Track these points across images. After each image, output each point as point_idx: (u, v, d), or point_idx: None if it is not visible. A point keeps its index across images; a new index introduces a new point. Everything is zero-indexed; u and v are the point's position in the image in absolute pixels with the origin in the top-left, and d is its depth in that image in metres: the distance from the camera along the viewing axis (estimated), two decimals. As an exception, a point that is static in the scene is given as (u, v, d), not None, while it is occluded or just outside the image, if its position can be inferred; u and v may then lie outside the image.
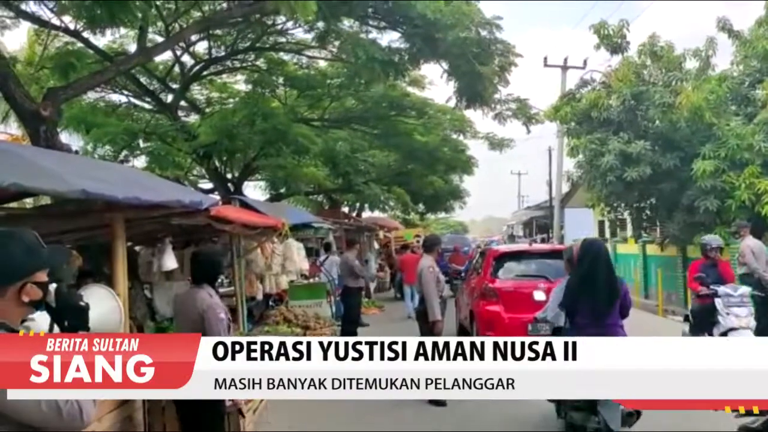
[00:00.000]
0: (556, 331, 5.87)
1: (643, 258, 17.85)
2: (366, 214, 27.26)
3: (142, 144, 15.35)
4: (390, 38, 12.90)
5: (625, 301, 5.51)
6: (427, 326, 7.33)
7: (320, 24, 12.12)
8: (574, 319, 5.39)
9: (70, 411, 1.93)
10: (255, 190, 21.68)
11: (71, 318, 2.15)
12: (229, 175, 17.36)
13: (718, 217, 13.15)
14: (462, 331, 11.00)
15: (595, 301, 5.29)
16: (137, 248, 8.15)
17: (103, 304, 2.43)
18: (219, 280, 8.67)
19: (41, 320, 2.15)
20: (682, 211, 13.90)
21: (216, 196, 11.55)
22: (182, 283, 7.20)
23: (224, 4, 11.86)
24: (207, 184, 18.25)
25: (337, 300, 12.10)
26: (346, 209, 25.88)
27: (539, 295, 8.56)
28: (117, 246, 4.79)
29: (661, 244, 16.20)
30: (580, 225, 26.28)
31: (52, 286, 2.14)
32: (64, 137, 11.33)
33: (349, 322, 11.35)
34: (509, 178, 63.58)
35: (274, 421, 6.60)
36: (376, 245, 23.45)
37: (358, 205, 26.48)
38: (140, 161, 16.09)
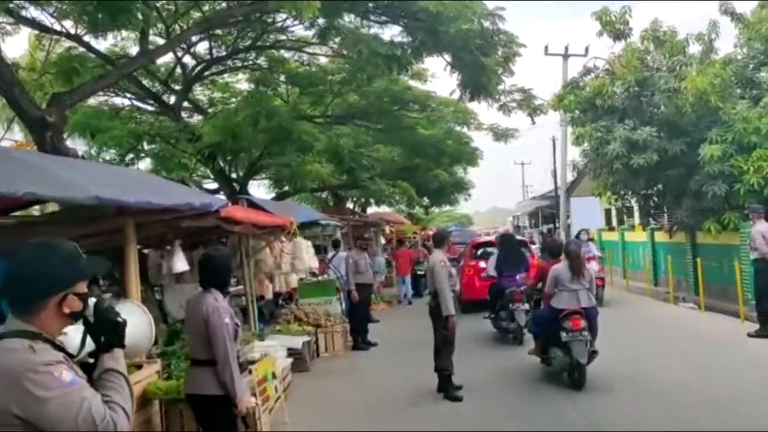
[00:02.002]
0: (493, 284, 10.86)
1: (652, 245, 17.77)
2: (372, 209, 27.20)
3: (146, 146, 15.35)
4: (392, 33, 12.83)
5: (527, 264, 10.97)
6: (441, 322, 7.24)
7: (321, 21, 12.04)
8: (501, 274, 10.53)
9: (105, 427, 1.91)
10: (260, 189, 21.66)
11: (108, 333, 2.09)
12: (234, 175, 17.35)
13: (727, 202, 13.04)
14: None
15: (509, 264, 10.50)
16: (146, 251, 8.15)
17: (133, 319, 2.36)
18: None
19: (73, 333, 2.11)
20: (690, 197, 13.79)
21: (222, 197, 11.54)
22: (193, 285, 7.18)
23: (224, 4, 11.82)
24: (212, 185, 18.24)
25: (346, 297, 12.09)
26: (350, 205, 25.84)
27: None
28: (129, 250, 4.79)
29: (669, 230, 16.11)
30: (586, 214, 26.17)
31: (92, 300, 2.09)
32: (69, 142, 11.31)
33: (359, 319, 11.32)
34: (512, 169, 63.33)
35: (291, 421, 6.59)
36: (383, 240, 23.42)
37: (363, 200, 26.41)
38: (145, 163, 16.14)
